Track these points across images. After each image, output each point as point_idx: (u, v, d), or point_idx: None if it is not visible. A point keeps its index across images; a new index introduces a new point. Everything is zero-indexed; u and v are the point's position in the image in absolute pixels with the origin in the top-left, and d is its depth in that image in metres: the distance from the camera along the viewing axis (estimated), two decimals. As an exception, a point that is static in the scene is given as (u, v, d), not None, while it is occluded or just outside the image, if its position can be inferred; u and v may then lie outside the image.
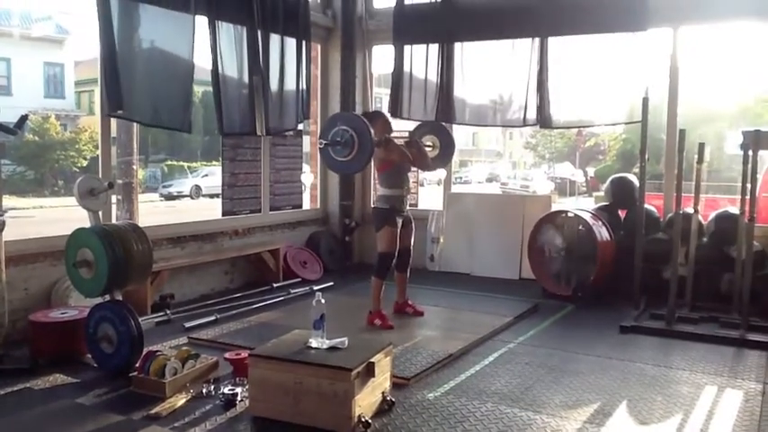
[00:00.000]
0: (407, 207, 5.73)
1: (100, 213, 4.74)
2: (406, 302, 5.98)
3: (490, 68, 7.67)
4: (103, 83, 5.54)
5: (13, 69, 25.26)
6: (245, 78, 6.76)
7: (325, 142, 5.22)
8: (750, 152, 5.63)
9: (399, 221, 5.61)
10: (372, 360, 3.65)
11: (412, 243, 5.88)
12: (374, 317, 5.56)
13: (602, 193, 9.53)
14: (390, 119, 5.95)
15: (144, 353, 4.30)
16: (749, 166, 5.65)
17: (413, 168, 5.97)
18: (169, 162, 27.35)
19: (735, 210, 6.17)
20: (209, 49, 6.40)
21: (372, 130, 5.19)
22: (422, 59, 7.89)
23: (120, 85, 5.51)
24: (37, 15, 26.46)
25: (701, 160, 5.90)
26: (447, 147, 6.30)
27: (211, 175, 22.80)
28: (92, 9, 5.50)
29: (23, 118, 4.89)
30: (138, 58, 5.80)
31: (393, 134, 5.77)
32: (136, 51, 5.78)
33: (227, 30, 6.53)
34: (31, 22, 26.05)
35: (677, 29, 6.90)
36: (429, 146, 6.20)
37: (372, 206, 5.82)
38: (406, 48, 7.98)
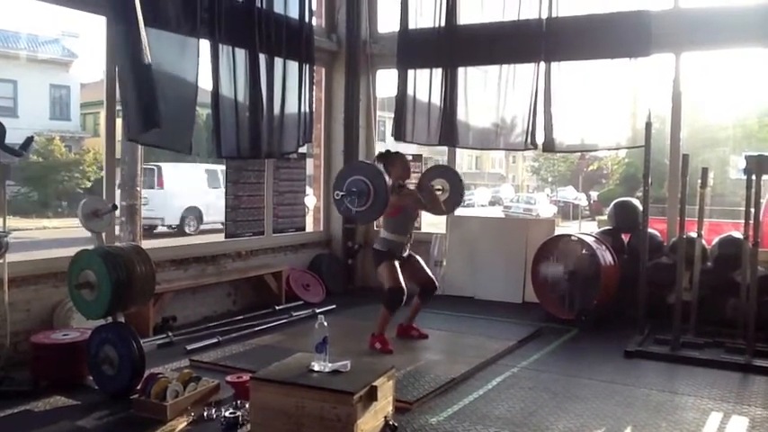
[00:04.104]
0: (407, 252, 5.73)
1: (103, 235, 4.74)
2: (411, 326, 5.96)
3: (493, 92, 7.71)
4: (124, 107, 5.63)
5: (19, 91, 25.43)
6: (246, 101, 6.79)
7: (341, 193, 5.23)
8: (753, 177, 5.62)
9: (397, 263, 5.59)
10: (375, 384, 3.63)
11: (429, 272, 5.86)
12: (375, 340, 5.53)
13: (605, 217, 9.53)
14: (408, 161, 5.90)
15: (145, 375, 4.28)
16: (752, 190, 5.64)
17: (421, 213, 5.95)
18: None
19: (739, 234, 6.15)
20: (210, 72, 6.43)
21: (389, 176, 5.21)
22: (425, 83, 7.94)
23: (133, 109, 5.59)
24: (44, 38, 26.72)
25: (704, 185, 5.90)
26: (457, 189, 6.31)
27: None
28: (101, 33, 5.60)
29: (29, 140, 4.92)
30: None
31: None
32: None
33: (228, 53, 6.56)
34: (37, 44, 26.29)
35: (680, 54, 6.94)
36: (439, 189, 6.21)
37: (372, 247, 5.78)
38: (410, 72, 8.03)
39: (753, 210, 5.64)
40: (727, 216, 11.30)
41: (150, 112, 5.58)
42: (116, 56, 5.64)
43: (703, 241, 6.11)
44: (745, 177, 5.72)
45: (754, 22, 6.46)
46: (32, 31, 26.52)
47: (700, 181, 5.91)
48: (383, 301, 5.56)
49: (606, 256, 6.67)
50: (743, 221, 5.77)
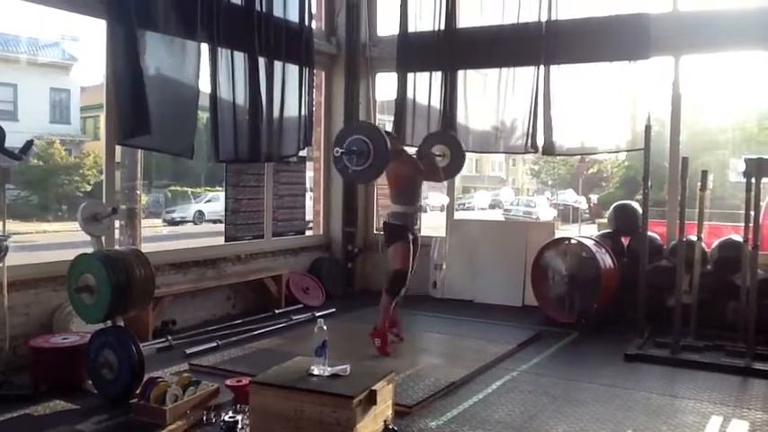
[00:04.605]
0: (418, 225, 5.72)
1: (103, 239, 4.74)
2: (391, 326, 5.86)
3: (493, 95, 7.71)
4: (116, 110, 5.59)
5: (19, 95, 25.42)
6: (246, 105, 6.78)
7: (340, 150, 5.22)
8: (753, 179, 5.63)
9: (411, 237, 5.60)
10: (374, 388, 3.62)
11: (414, 267, 5.86)
12: (377, 334, 5.50)
13: (605, 220, 9.52)
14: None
15: (145, 379, 4.27)
16: (752, 193, 5.64)
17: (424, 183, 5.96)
18: (173, 187, 27.41)
19: (738, 237, 6.15)
20: (209, 75, 6.42)
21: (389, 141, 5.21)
22: (425, 87, 7.95)
23: (128, 113, 5.57)
24: (44, 42, 26.73)
25: (704, 187, 5.89)
26: (457, 156, 6.30)
27: (215, 201, 22.83)
28: (101, 36, 5.58)
29: (29, 143, 4.91)
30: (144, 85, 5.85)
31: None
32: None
33: (227, 56, 6.56)
34: (38, 48, 26.29)
35: (679, 57, 6.95)
36: (439, 155, 6.21)
37: (384, 221, 5.76)
38: (410, 75, 8.04)
39: (752, 213, 5.64)
40: (727, 219, 11.29)
41: (140, 117, 5.56)
42: (112, 59, 5.63)
43: (703, 244, 6.10)
44: (744, 180, 5.72)
45: (753, 24, 6.46)
46: (33, 35, 26.55)
47: (699, 184, 5.91)
48: (387, 283, 5.55)
49: (606, 260, 6.67)
50: (743, 224, 5.77)
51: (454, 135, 6.81)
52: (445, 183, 7.50)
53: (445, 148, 6.29)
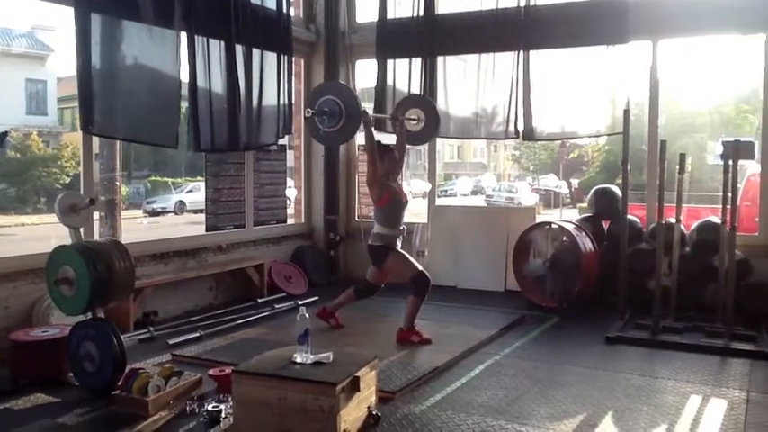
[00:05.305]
0: (399, 246, 5.66)
1: (82, 230, 4.70)
2: (333, 314, 5.90)
3: (473, 82, 7.71)
4: (80, 100, 5.51)
5: (-6, 87, 25.05)
6: (224, 93, 6.72)
7: (311, 111, 5.15)
8: (730, 162, 5.68)
9: (401, 251, 5.59)
10: (357, 374, 3.63)
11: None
12: (410, 333, 5.50)
13: (586, 205, 9.60)
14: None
15: (127, 371, 4.24)
16: (730, 175, 5.70)
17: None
18: (153, 178, 27.22)
19: (717, 219, 6.21)
20: (187, 64, 6.35)
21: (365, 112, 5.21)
22: (405, 73, 7.93)
23: (97, 102, 5.49)
24: (18, 32, 26.31)
25: (682, 170, 5.94)
26: (432, 119, 6.27)
27: (196, 191, 22.70)
28: (71, 25, 5.49)
29: (4, 135, 4.89)
30: (121, 75, 5.78)
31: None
32: (118, 68, 5.76)
33: (204, 44, 6.48)
34: (12, 38, 25.88)
35: (657, 42, 6.98)
36: (414, 119, 6.17)
37: (368, 243, 5.66)
38: (389, 62, 8.01)
39: (730, 195, 5.70)
40: (705, 201, 11.42)
41: (89, 107, 5.49)
42: (79, 48, 5.53)
43: (682, 227, 6.17)
44: (722, 163, 5.77)
45: (731, 8, 6.50)
46: (6, 25, 26.12)
47: (678, 167, 5.96)
48: (412, 291, 5.50)
49: (587, 244, 6.72)
50: (720, 206, 5.83)
51: (428, 98, 6.75)
52: (426, 168, 7.49)
53: (420, 111, 6.24)
